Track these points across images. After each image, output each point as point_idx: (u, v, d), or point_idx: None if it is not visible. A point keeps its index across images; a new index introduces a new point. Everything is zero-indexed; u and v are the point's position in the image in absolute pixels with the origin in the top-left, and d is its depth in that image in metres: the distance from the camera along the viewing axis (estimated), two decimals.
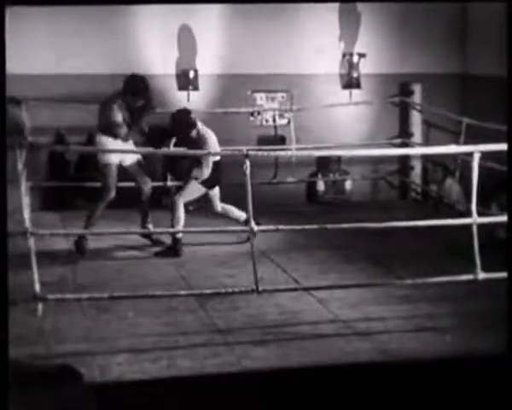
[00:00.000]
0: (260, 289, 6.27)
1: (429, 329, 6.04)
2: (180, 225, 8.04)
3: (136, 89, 8.14)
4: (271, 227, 6.80)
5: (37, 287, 6.03)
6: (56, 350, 5.46)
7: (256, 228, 6.32)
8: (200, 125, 8.26)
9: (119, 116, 8.06)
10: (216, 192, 8.43)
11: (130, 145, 8.32)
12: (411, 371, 5.14)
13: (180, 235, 8.14)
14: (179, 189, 8.52)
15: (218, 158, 8.20)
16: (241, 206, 6.42)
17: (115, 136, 8.09)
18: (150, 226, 8.31)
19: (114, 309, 6.34)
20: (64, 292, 6.50)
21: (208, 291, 6.56)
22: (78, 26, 10.30)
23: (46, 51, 10.33)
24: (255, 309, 6.43)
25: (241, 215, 8.32)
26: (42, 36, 10.35)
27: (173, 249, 8.13)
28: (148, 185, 8.36)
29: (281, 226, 6.81)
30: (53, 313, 6.16)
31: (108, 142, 8.11)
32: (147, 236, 8.45)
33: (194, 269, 7.63)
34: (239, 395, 4.90)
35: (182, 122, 8.21)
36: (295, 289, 6.90)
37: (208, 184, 8.22)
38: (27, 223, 6.11)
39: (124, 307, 6.36)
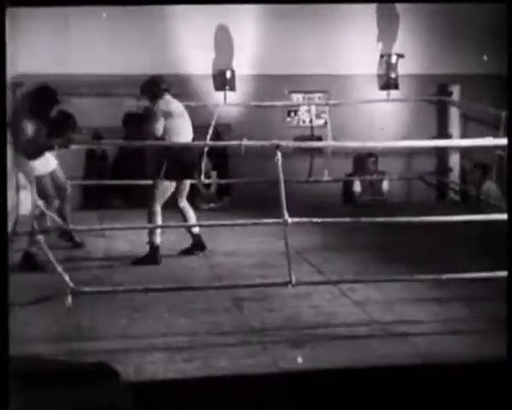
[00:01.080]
0: (294, 281, 6.25)
1: (466, 332, 5.96)
2: (194, 221, 7.99)
3: (46, 103, 7.64)
4: (305, 219, 6.61)
5: (73, 283, 6.08)
6: (92, 348, 5.48)
7: (290, 220, 6.30)
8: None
9: (27, 134, 7.48)
10: (186, 187, 8.07)
11: (47, 156, 7.80)
12: (447, 375, 5.09)
13: (197, 230, 8.09)
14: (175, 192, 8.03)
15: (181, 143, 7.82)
16: (274, 200, 6.37)
17: (24, 155, 7.55)
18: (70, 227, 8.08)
19: (150, 309, 6.37)
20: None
21: (242, 283, 6.75)
22: (119, 26, 10.39)
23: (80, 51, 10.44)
24: (290, 310, 6.41)
25: (195, 228, 8.07)
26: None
27: (197, 246, 8.09)
28: (68, 187, 8.16)
29: (315, 219, 6.72)
30: (89, 311, 6.21)
31: (25, 162, 7.61)
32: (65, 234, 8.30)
33: (228, 269, 7.63)
34: (273, 395, 4.89)
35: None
36: (328, 283, 6.99)
37: (182, 174, 7.91)
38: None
39: (159, 306, 6.38)
